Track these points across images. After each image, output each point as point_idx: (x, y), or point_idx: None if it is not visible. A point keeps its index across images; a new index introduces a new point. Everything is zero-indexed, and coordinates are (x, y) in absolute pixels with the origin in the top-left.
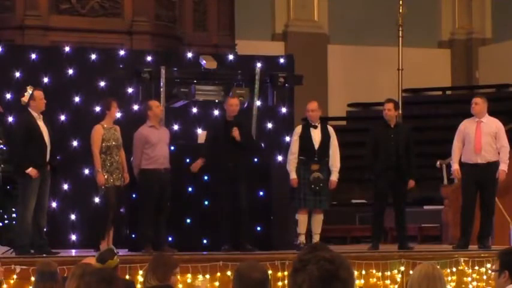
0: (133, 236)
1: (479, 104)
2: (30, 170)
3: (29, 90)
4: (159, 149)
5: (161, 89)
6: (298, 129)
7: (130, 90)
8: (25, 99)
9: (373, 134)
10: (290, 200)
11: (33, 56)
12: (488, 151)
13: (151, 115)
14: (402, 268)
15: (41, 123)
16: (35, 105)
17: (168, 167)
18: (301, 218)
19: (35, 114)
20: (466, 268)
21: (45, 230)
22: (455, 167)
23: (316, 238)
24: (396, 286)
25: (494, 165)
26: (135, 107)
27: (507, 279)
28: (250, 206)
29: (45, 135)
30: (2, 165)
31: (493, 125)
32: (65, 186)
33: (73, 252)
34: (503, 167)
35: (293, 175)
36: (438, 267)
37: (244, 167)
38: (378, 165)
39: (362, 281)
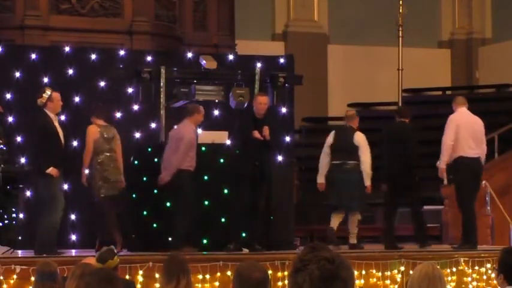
0: (133, 236)
1: None
2: (51, 170)
3: (48, 91)
4: (195, 151)
5: (161, 89)
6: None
7: (130, 90)
8: (43, 100)
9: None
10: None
11: (33, 56)
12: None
13: (198, 119)
14: (402, 268)
15: (56, 124)
16: (52, 107)
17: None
18: None
19: (51, 115)
20: (466, 268)
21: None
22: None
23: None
24: (396, 286)
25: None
26: (135, 107)
27: (503, 281)
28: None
29: (61, 136)
30: (2, 165)
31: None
32: (65, 186)
33: (73, 252)
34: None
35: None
36: (438, 267)
37: (269, 166)
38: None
39: (362, 281)
